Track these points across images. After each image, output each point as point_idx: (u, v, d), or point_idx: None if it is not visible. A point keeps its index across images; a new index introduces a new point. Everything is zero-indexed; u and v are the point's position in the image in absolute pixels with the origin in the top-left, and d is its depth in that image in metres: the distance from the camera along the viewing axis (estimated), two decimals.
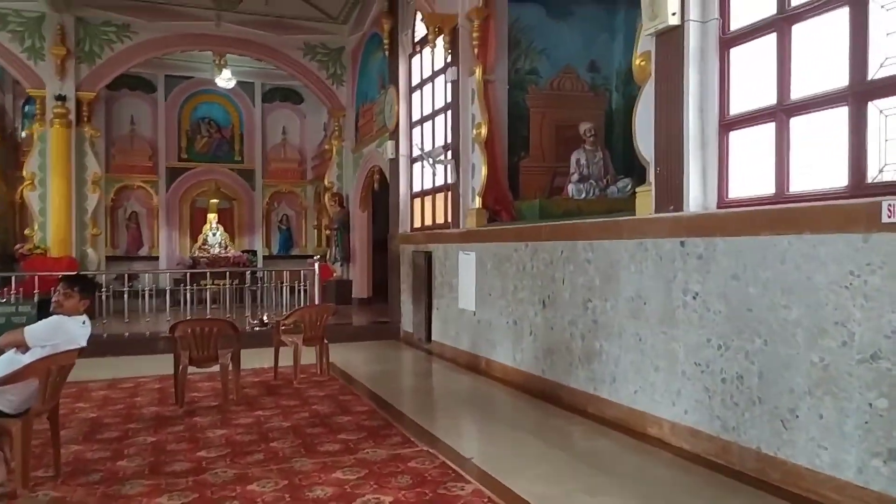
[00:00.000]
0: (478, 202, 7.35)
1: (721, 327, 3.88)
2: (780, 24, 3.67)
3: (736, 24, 4.02)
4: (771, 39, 3.75)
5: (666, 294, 4.32)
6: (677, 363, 4.22)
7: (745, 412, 3.72)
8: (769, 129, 3.76)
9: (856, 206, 3.11)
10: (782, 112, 3.66)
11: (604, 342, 4.97)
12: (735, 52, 4.03)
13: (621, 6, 8.45)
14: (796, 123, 3.62)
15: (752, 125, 3.91)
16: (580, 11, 8.38)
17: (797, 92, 3.61)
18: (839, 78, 3.36)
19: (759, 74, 3.84)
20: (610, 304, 4.90)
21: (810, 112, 3.54)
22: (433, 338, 8.42)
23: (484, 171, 7.26)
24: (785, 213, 3.48)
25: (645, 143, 4.67)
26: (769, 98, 3.76)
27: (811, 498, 3.28)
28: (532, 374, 5.94)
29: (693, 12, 4.14)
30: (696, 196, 4.17)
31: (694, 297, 4.09)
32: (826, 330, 3.24)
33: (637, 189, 4.77)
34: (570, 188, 7.35)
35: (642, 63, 4.68)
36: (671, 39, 4.27)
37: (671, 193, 4.30)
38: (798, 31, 3.61)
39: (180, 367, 5.49)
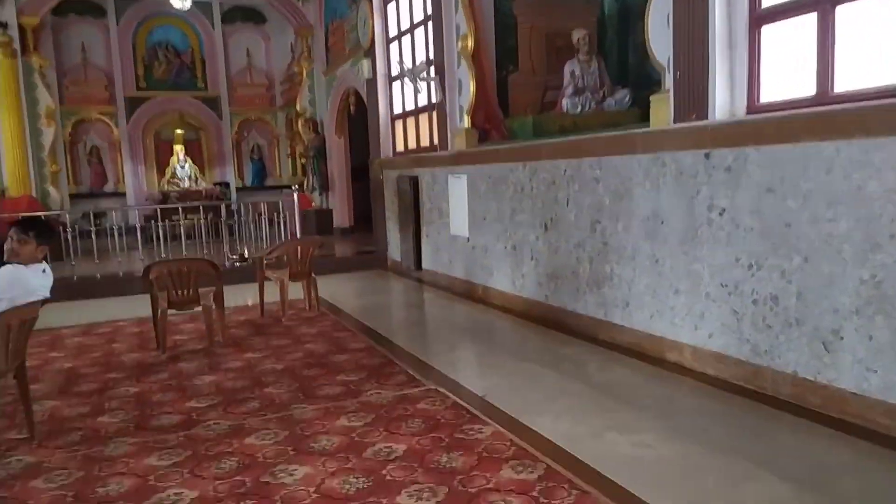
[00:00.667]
0: (466, 121, 6.86)
1: (753, 245, 3.57)
2: None
3: None
4: None
5: (688, 212, 3.98)
6: (701, 285, 3.93)
7: (779, 335, 3.45)
8: (810, 20, 3.33)
9: None
10: None
11: (615, 265, 4.66)
12: None
13: None
14: (843, 12, 3.19)
15: (789, 17, 3.47)
16: None
17: None
18: None
19: None
20: (622, 225, 4.56)
21: None
22: (423, 266, 8.09)
23: (472, 87, 6.73)
24: (831, 117, 3.10)
25: (660, 45, 4.22)
26: None
27: (857, 423, 3.06)
28: (535, 301, 5.65)
29: None
30: (723, 102, 3.76)
31: (721, 214, 3.76)
32: (880, 244, 2.93)
33: (651, 97, 4.34)
34: (565, 102, 6.88)
35: None
36: None
37: (694, 100, 3.89)
38: None
39: (159, 311, 5.09)
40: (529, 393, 3.84)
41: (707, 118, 3.81)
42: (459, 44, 6.83)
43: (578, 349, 4.69)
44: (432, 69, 7.36)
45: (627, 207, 4.48)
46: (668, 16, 4.10)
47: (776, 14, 3.53)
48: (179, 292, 5.08)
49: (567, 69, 7.04)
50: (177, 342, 5.45)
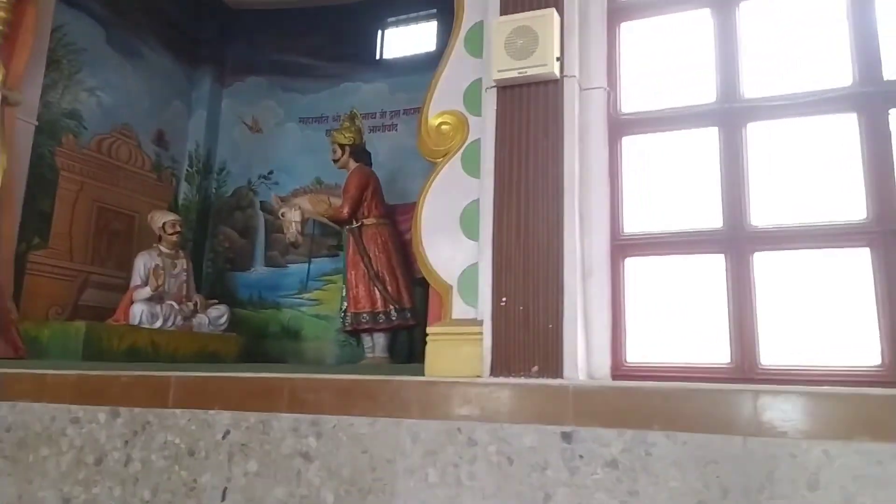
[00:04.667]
0: None
1: None
2: (726, 114, 2.54)
3: (633, 101, 2.73)
4: (708, 136, 2.57)
5: None
6: None
7: None
8: (712, 262, 2.48)
9: None
10: (746, 241, 2.43)
11: None
12: (632, 142, 2.70)
13: (206, 74, 6.34)
14: (763, 260, 2.43)
15: (674, 253, 2.56)
16: (152, 58, 5.88)
17: (762, 217, 2.46)
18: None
19: (695, 176, 2.59)
20: None
21: (794, 247, 2.42)
22: None
23: None
24: (814, 399, 2.13)
25: (445, 252, 2.79)
26: (709, 219, 2.51)
27: None
28: None
29: (571, 68, 2.68)
30: (582, 355, 2.48)
31: None
32: None
33: (431, 329, 2.74)
34: (138, 310, 4.52)
35: (446, 126, 2.90)
36: (538, 98, 2.66)
37: (534, 346, 2.49)
38: (755, 128, 2.53)
39: None
40: None
41: (561, 375, 2.43)
42: None
43: None
44: None
45: None
46: (464, 210, 2.78)
47: (653, 245, 2.58)
48: None
49: (142, 262, 4.82)
50: None
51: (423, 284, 4.79)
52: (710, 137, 2.56)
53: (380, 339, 4.51)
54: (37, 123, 4.61)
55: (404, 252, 4.76)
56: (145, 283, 4.62)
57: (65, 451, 3.09)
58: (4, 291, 4.10)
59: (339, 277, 5.52)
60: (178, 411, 2.94)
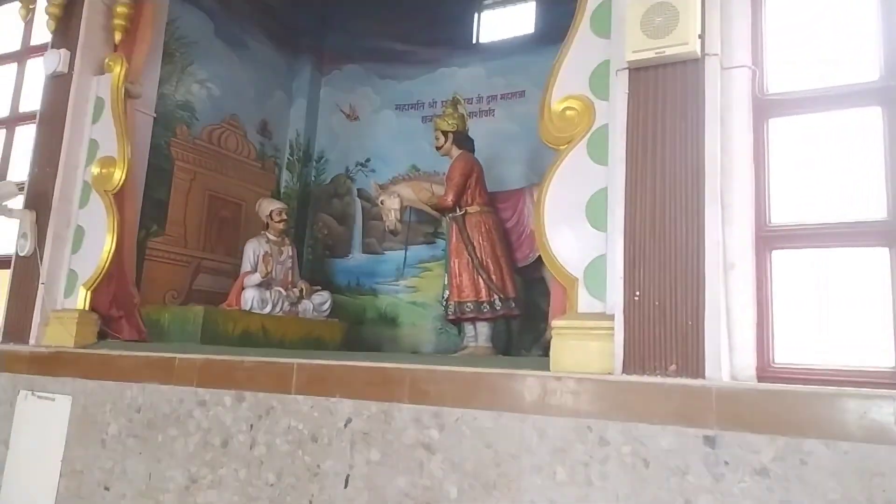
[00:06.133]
0: (84, 300, 3.90)
1: None
2: (892, 92, 2.30)
3: (781, 80, 2.52)
4: (869, 116, 2.35)
5: None
6: None
7: None
8: (874, 255, 2.27)
9: None
10: None
11: None
12: (780, 125, 2.50)
13: (305, 63, 6.43)
14: None
15: (828, 246, 2.36)
16: (256, 49, 6.00)
17: None
18: None
19: (853, 162, 2.38)
20: None
21: None
22: None
23: (109, 245, 3.92)
24: None
25: (570, 243, 2.68)
26: (871, 208, 2.30)
27: None
28: None
29: (712, 45, 2.50)
30: (724, 354, 2.32)
31: None
32: None
33: (556, 324, 2.64)
34: (249, 295, 4.62)
35: (570, 111, 2.77)
36: (675, 79, 2.50)
37: (671, 343, 2.36)
38: None
39: None
40: None
41: (702, 375, 2.29)
42: (95, 170, 4.05)
43: None
44: (20, 197, 4.22)
45: None
46: (590, 199, 2.65)
47: (801, 237, 2.39)
48: None
49: (251, 249, 4.92)
50: None
51: (521, 274, 4.74)
52: (872, 118, 2.33)
53: (483, 329, 4.44)
54: (155, 115, 4.80)
55: (507, 240, 4.67)
56: (255, 270, 4.73)
57: (192, 433, 3.20)
58: (128, 277, 4.30)
59: (436, 265, 5.50)
60: (300, 397, 2.98)
